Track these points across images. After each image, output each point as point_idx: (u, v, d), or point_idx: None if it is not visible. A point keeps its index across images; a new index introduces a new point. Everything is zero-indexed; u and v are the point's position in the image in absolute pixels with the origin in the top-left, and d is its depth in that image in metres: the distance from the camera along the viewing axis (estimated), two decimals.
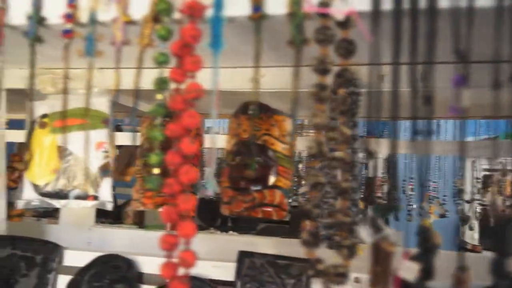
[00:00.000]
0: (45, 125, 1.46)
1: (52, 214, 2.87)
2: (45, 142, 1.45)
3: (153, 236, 1.85)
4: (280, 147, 1.31)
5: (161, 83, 0.77)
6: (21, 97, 1.44)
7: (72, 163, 1.45)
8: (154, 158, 0.77)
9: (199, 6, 0.75)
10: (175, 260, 0.76)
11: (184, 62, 0.75)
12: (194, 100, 0.75)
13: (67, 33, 0.82)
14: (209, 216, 3.93)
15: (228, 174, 1.32)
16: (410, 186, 3.36)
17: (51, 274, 1.46)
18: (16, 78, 1.43)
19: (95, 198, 1.45)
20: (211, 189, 0.70)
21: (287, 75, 1.31)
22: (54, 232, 1.84)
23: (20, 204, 1.46)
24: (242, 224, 5.19)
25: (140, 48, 0.78)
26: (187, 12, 0.75)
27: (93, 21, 0.80)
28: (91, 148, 1.45)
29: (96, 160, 1.45)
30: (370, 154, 0.85)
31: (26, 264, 1.48)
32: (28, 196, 1.45)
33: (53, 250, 1.48)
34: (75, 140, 1.47)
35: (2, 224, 1.59)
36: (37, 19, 0.83)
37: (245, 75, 1.22)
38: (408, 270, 0.63)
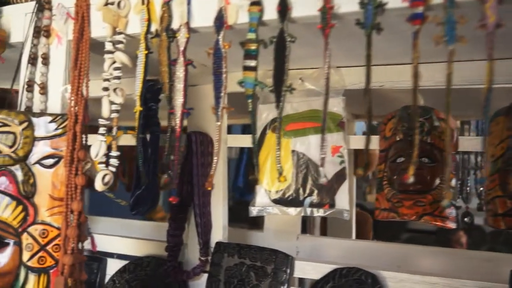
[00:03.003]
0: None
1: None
2: None
3: (371, 248, 1.73)
4: None
5: None
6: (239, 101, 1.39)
7: (307, 169, 1.37)
8: None
9: None
10: None
11: None
12: None
13: (417, 18, 0.71)
14: None
15: (499, 181, 1.15)
16: None
17: (284, 286, 1.38)
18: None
19: (331, 206, 1.35)
20: None
21: None
22: (259, 240, 1.78)
23: (254, 211, 1.40)
24: (384, 233, 4.95)
25: None
26: None
27: (452, 1, 0.69)
28: (326, 153, 1.36)
29: (332, 166, 1.35)
30: None
31: (256, 274, 1.42)
32: (261, 202, 1.40)
33: (284, 260, 1.41)
34: (309, 144, 1.39)
35: (225, 232, 1.56)
36: (376, 4, 0.73)
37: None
38: None
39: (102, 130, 0.93)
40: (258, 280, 1.41)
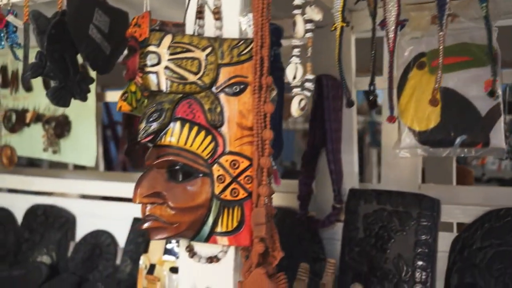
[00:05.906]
0: (423, 65, 1.31)
1: None
2: (424, 84, 1.31)
3: (506, 194, 1.65)
4: None
5: None
6: None
7: (456, 106, 1.29)
8: None
9: None
10: None
11: None
12: None
13: None
14: None
15: None
16: None
17: (432, 231, 1.32)
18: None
19: (485, 145, 1.27)
20: None
21: None
22: None
23: (399, 153, 1.33)
24: None
25: None
26: None
27: None
28: (478, 88, 1.27)
29: (486, 101, 1.27)
30: None
31: (400, 219, 1.35)
32: (407, 143, 1.32)
33: (430, 203, 1.33)
34: (457, 80, 1.31)
35: (356, 178, 1.50)
36: None
37: None
38: None
39: (296, 51, 0.86)
40: (402, 226, 1.35)
